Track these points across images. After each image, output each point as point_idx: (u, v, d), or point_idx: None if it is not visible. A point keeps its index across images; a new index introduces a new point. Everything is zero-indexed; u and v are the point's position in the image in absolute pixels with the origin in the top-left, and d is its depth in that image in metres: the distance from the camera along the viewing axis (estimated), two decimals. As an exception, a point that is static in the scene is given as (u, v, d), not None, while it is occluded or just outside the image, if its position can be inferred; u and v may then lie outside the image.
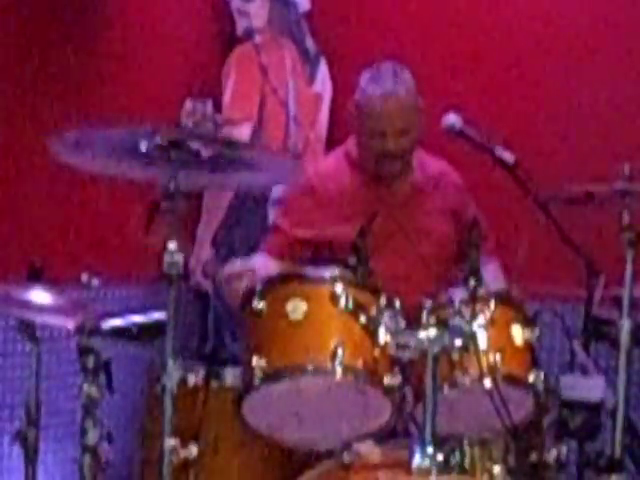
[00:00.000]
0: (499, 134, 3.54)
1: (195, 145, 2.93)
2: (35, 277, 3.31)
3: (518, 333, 3.13)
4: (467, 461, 3.16)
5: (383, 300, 3.07)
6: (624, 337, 3.22)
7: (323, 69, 4.61)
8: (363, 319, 3.05)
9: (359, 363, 3.02)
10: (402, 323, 3.03)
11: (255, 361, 3.02)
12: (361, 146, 3.73)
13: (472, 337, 3.01)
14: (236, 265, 3.54)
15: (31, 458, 3.32)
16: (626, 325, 3.22)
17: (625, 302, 3.21)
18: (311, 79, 4.56)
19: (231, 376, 3.20)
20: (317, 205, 3.71)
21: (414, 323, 3.02)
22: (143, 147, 2.89)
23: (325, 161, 4.00)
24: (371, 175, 3.73)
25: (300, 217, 3.72)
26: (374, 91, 3.65)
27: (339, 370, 2.99)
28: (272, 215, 4.00)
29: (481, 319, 3.04)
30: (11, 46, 3.99)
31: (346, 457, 3.09)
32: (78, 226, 4.02)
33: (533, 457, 3.24)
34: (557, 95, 4.20)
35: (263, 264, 3.62)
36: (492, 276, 3.42)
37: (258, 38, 4.43)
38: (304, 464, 3.18)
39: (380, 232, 3.26)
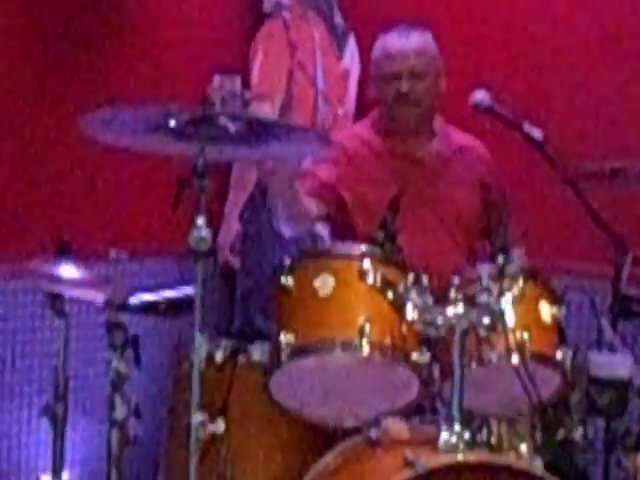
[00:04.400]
0: (528, 111, 3.52)
1: (223, 120, 2.93)
2: (64, 252, 3.33)
3: (546, 310, 3.12)
4: (494, 438, 3.16)
5: (411, 277, 3.05)
6: None
7: (352, 45, 4.62)
8: (391, 295, 3.03)
9: (387, 339, 3.02)
10: (430, 300, 3.02)
11: (283, 337, 3.02)
12: (380, 101, 3.74)
13: (500, 314, 3.00)
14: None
15: (59, 432, 3.34)
16: None
17: None
18: (339, 55, 4.58)
19: (258, 352, 3.17)
20: (347, 162, 3.71)
21: (442, 300, 3.02)
22: (172, 123, 2.90)
23: (355, 128, 4.02)
24: (391, 133, 3.73)
25: (334, 169, 3.71)
26: (389, 35, 3.71)
27: (366, 346, 2.99)
28: (305, 167, 3.99)
29: (509, 296, 3.03)
30: (47, 27, 4.01)
31: (373, 433, 3.10)
32: (107, 202, 4.04)
33: (560, 435, 3.24)
34: (586, 71, 4.20)
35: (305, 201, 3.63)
36: (518, 251, 3.41)
37: (286, 14, 4.42)
38: (331, 440, 3.18)
39: (407, 206, 3.25)
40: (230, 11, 4.60)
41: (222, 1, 4.61)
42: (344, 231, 3.62)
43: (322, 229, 3.64)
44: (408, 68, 3.64)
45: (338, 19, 4.55)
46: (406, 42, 3.67)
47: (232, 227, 4.31)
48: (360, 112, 4.51)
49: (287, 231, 3.60)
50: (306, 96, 4.39)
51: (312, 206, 3.60)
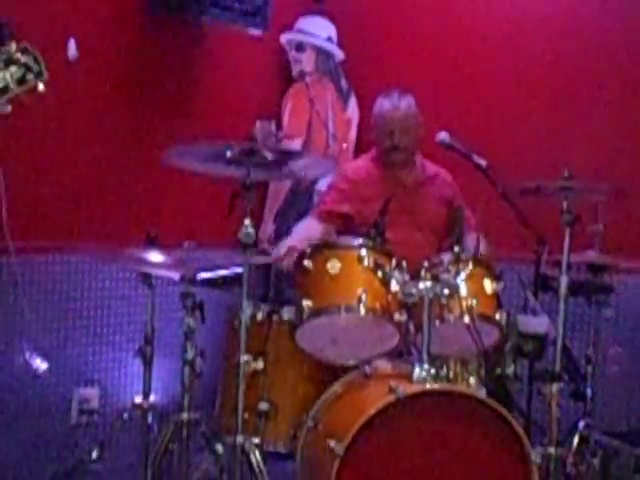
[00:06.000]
0: (476, 146, 3.50)
1: (263, 152, 2.92)
2: (151, 243, 3.30)
3: (488, 285, 3.16)
4: (451, 373, 3.17)
5: (394, 261, 3.11)
6: (562, 288, 3.20)
7: (353, 101, 4.58)
8: (380, 274, 3.08)
9: (377, 305, 3.06)
10: (407, 277, 3.07)
11: (304, 303, 3.07)
12: (377, 145, 3.72)
13: (456, 287, 3.04)
14: (280, 249, 3.53)
15: (147, 368, 3.31)
16: (564, 280, 3.20)
17: (564, 264, 3.19)
18: (344, 108, 4.54)
19: (287, 313, 3.19)
20: (351, 188, 3.69)
21: (415, 277, 3.05)
22: (228, 154, 2.89)
23: (356, 161, 3.99)
24: (385, 166, 3.71)
25: (339, 195, 3.71)
26: (385, 103, 3.68)
27: (363, 309, 3.04)
28: (318, 197, 4.00)
29: (462, 275, 3.07)
30: (137, 84, 3.99)
31: (367, 369, 3.12)
32: (182, 208, 4.01)
33: (497, 371, 3.25)
34: (519, 120, 4.17)
35: (310, 225, 3.66)
36: (470, 243, 3.43)
37: (307, 79, 4.40)
38: (337, 374, 3.19)
39: (393, 213, 3.27)
40: (268, 76, 4.56)
41: (263, 68, 4.57)
42: (347, 230, 3.59)
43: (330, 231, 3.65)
44: (398, 127, 3.64)
45: (343, 83, 4.52)
46: (396, 108, 3.64)
47: (268, 226, 4.29)
48: (358, 147, 4.49)
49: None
50: (320, 136, 4.35)
51: (314, 228, 3.61)
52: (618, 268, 3.50)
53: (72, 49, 3.63)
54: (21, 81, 1.98)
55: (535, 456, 2.85)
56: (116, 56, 3.90)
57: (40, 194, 3.64)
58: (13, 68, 1.98)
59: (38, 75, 1.99)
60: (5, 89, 1.97)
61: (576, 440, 3.36)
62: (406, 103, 3.65)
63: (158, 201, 3.96)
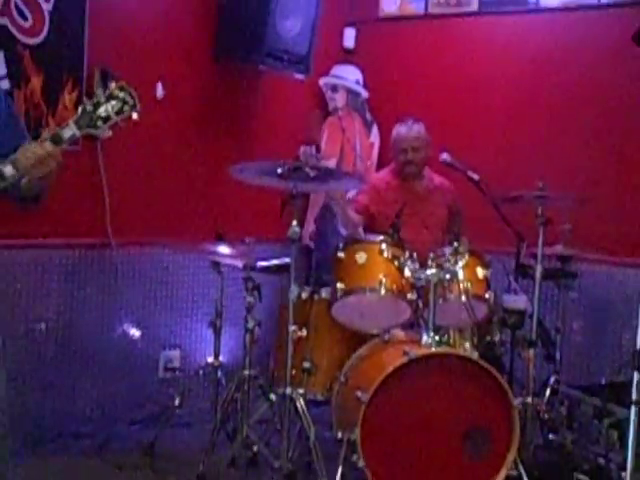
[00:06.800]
0: (471, 163, 3.48)
1: (306, 169, 2.94)
2: (220, 239, 3.32)
3: (480, 272, 3.14)
4: (451, 340, 3.15)
5: (407, 253, 3.08)
6: (537, 275, 3.19)
7: (375, 129, 4.52)
8: (396, 263, 3.07)
9: (394, 287, 3.06)
10: (417, 266, 3.05)
11: (338, 285, 3.07)
12: (395, 160, 3.66)
13: (455, 274, 3.02)
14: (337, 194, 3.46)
15: (217, 335, 3.34)
16: (539, 268, 3.19)
17: (538, 255, 3.18)
18: (368, 135, 4.47)
19: (325, 293, 3.20)
20: (375, 192, 3.61)
21: (424, 266, 3.03)
22: (279, 170, 2.92)
23: (379, 173, 3.90)
24: (401, 177, 3.64)
25: (367, 197, 3.61)
26: (401, 127, 3.61)
27: (383, 290, 3.04)
28: (352, 197, 3.93)
29: (460, 264, 3.04)
30: (209, 115, 3.97)
31: (386, 337, 3.12)
32: (244, 211, 3.96)
33: (487, 339, 3.23)
34: (504, 144, 4.09)
35: (353, 216, 3.54)
36: (467, 239, 3.40)
37: (340, 113, 4.35)
38: (363, 340, 3.17)
39: (406, 216, 3.23)
40: (310, 110, 4.47)
41: (305, 105, 4.46)
42: (371, 229, 3.55)
43: (360, 231, 3.63)
44: (411, 146, 3.57)
45: (367, 115, 4.46)
46: (410, 131, 3.57)
47: (310, 226, 4.24)
48: (379, 164, 4.41)
49: (342, 230, 3.57)
50: (350, 157, 4.30)
51: (356, 218, 3.53)
52: (581, 259, 3.47)
53: (159, 90, 3.74)
54: (119, 112, 1.99)
55: (516, 404, 2.85)
56: (193, 93, 3.90)
57: (135, 201, 3.65)
58: (113, 102, 1.99)
59: (133, 107, 2.00)
60: (107, 118, 1.99)
61: (548, 392, 3.33)
62: (417, 128, 3.59)
63: (226, 206, 3.92)
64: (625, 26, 2.23)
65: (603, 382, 3.33)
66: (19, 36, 3.17)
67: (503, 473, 2.82)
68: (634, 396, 1.75)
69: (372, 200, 3.59)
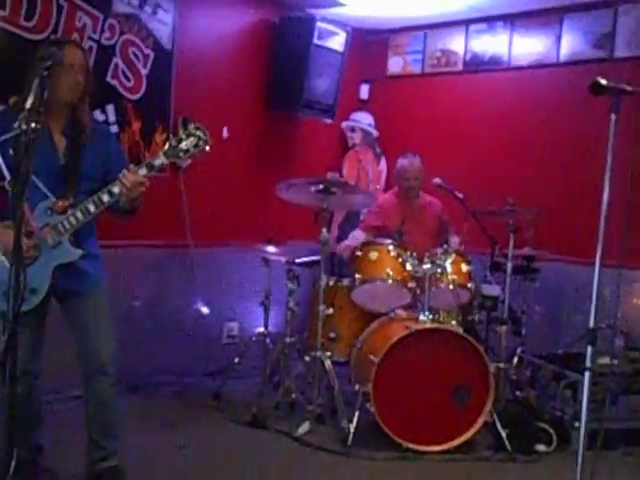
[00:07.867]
0: (457, 185, 3.42)
1: (333, 189, 2.93)
2: (269, 241, 3.32)
3: (465, 267, 3.09)
4: (441, 318, 3.10)
5: (409, 253, 3.06)
6: (508, 270, 3.14)
7: (383, 161, 4.42)
8: (401, 260, 3.05)
9: (398, 278, 3.03)
10: (416, 261, 3.03)
11: (356, 276, 3.05)
12: (398, 186, 3.59)
13: (444, 268, 3.00)
14: (342, 246, 3.44)
15: (267, 312, 3.32)
16: (509, 265, 3.13)
17: (509, 255, 3.12)
18: (378, 164, 4.39)
19: (347, 281, 3.17)
20: (381, 211, 3.54)
21: (421, 262, 3.01)
22: (313, 189, 2.91)
23: (385, 195, 3.83)
24: (402, 198, 3.57)
25: (374, 216, 3.56)
26: (404, 161, 3.53)
27: (390, 280, 3.02)
28: (363, 217, 3.94)
29: (449, 260, 3.02)
30: (263, 150, 3.95)
31: (392, 315, 3.10)
32: (287, 221, 3.85)
33: (469, 317, 3.17)
34: (483, 171, 4.00)
35: (358, 234, 3.49)
36: (453, 242, 3.37)
37: (357, 148, 4.30)
38: (374, 317, 3.14)
39: (407, 226, 3.22)
40: (335, 146, 4.40)
41: (331, 142, 4.38)
42: (380, 235, 3.53)
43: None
44: (411, 176, 3.48)
45: (378, 149, 4.38)
46: (411, 165, 3.49)
47: (335, 232, 4.12)
48: (386, 187, 4.32)
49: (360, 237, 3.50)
50: (364, 181, 4.22)
51: (360, 236, 3.44)
52: (542, 258, 3.39)
53: (225, 132, 3.78)
54: (196, 146, 2.01)
55: (491, 368, 2.82)
56: (250, 135, 3.92)
57: (207, 214, 3.67)
58: (192, 138, 2.01)
59: (206, 142, 2.01)
60: (187, 150, 2.01)
61: (515, 359, 3.28)
62: (416, 160, 3.51)
63: (273, 216, 3.89)
64: (582, 79, 2.15)
65: (559, 352, 3.27)
66: (124, 93, 3.31)
67: (481, 420, 2.81)
68: (588, 364, 1.76)
69: (378, 218, 3.53)
